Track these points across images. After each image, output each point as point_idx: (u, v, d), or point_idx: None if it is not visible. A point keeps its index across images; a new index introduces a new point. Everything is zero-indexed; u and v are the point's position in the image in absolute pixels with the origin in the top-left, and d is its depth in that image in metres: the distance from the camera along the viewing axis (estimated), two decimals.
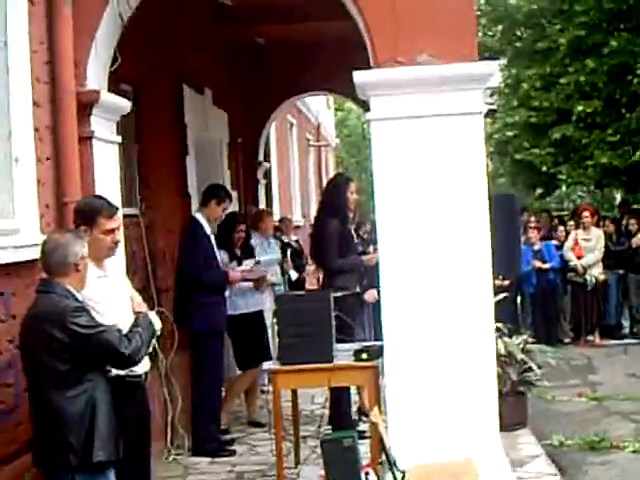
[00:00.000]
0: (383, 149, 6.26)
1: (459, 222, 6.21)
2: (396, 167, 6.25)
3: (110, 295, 5.38)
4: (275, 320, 7.26)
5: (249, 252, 9.73)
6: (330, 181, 9.91)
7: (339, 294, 7.93)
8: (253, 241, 10.21)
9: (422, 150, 6.22)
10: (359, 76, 6.21)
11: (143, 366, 5.46)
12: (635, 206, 19.41)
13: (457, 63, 6.11)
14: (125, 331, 4.95)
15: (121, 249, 6.13)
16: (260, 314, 9.72)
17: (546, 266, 15.04)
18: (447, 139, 6.21)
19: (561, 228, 16.42)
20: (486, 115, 6.67)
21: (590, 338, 15.19)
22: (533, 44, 19.99)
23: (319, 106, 26.38)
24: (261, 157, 15.81)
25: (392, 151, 6.24)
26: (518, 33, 21.13)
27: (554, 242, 15.75)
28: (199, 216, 8.90)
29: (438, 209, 6.21)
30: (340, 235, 8.62)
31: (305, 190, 24.07)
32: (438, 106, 6.17)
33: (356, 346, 7.43)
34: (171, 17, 9.71)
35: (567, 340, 15.23)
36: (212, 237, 8.90)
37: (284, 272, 11.92)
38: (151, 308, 5.85)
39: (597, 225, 15.93)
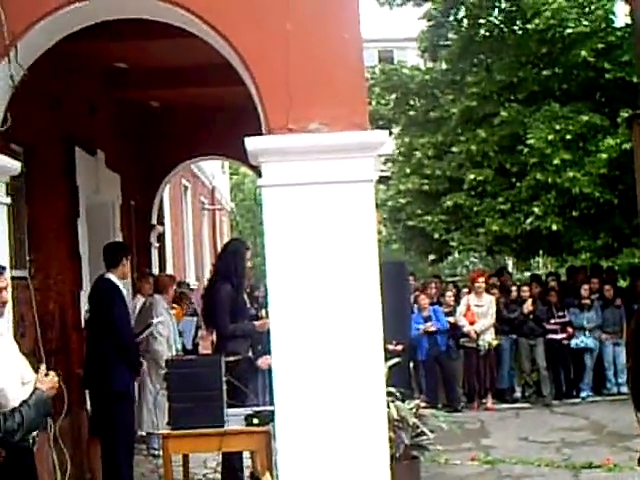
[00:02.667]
0: (275, 215, 6.27)
1: (350, 288, 6.23)
2: (288, 233, 6.25)
3: None
4: (165, 384, 7.17)
5: None
6: (226, 246, 9.78)
7: (231, 359, 7.90)
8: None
9: (313, 216, 6.24)
10: (251, 143, 6.22)
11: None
12: (527, 273, 19.65)
13: (348, 131, 6.18)
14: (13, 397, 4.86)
15: (9, 311, 6.02)
16: None
17: (432, 328, 15.09)
18: (338, 206, 6.23)
19: (449, 293, 16.53)
20: (379, 182, 6.75)
21: (483, 402, 15.34)
22: (426, 113, 20.33)
23: (214, 170, 26.43)
24: (154, 220, 15.73)
25: (284, 217, 6.25)
26: (411, 102, 21.35)
27: (442, 307, 15.87)
28: (113, 277, 8.68)
29: (329, 275, 6.23)
30: (233, 300, 8.60)
31: (199, 253, 24.00)
32: (329, 173, 6.20)
33: (248, 411, 7.40)
34: (64, 79, 9.67)
35: (460, 404, 15.31)
36: None
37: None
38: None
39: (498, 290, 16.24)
